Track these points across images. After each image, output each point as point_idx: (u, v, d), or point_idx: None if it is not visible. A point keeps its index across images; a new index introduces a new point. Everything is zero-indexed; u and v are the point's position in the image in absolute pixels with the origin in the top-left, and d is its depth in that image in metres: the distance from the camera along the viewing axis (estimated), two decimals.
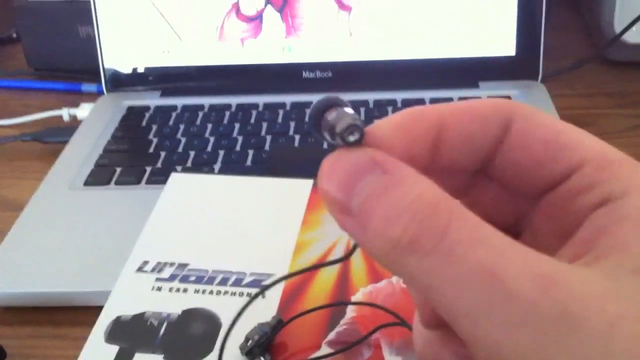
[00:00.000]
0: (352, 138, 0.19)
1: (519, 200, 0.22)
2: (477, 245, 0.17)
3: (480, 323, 0.17)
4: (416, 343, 0.23)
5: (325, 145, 0.58)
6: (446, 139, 0.21)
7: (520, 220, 0.22)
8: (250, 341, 0.36)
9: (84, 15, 0.70)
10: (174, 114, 0.64)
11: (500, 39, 0.65)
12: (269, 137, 0.60)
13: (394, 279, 0.40)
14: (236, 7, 0.66)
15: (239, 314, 0.30)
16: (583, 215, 0.20)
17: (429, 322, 0.22)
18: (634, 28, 0.67)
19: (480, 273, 0.17)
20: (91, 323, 0.39)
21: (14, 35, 0.85)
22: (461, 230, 0.18)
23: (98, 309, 0.40)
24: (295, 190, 0.46)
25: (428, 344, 0.22)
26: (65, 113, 0.67)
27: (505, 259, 0.17)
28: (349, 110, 0.20)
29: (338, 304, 0.38)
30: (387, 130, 0.20)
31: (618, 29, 0.68)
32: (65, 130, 0.63)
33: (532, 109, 0.21)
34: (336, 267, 0.41)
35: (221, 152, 0.58)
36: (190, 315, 0.38)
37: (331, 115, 0.20)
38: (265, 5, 0.66)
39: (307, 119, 0.21)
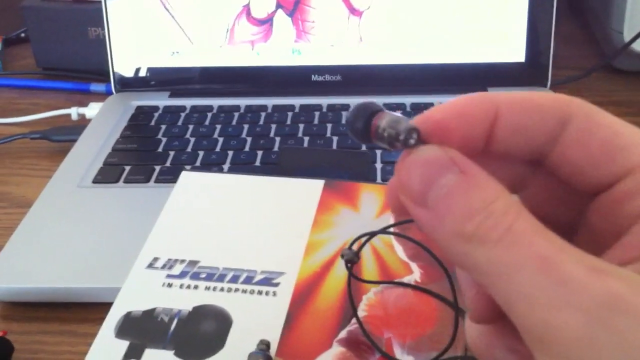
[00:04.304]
0: (412, 141, 0.21)
1: (577, 196, 0.22)
2: (538, 236, 0.19)
3: (533, 305, 0.18)
4: (468, 336, 0.24)
5: (334, 146, 0.59)
6: (500, 127, 0.21)
7: (577, 217, 0.23)
8: None
9: (94, 16, 0.70)
10: (182, 115, 0.64)
11: (510, 45, 0.65)
12: (277, 139, 0.60)
13: (405, 279, 0.40)
14: (247, 10, 0.66)
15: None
16: (631, 220, 0.20)
17: (480, 317, 0.22)
18: None
19: (538, 259, 0.18)
20: (99, 320, 0.39)
21: (22, 35, 0.86)
22: (525, 225, 0.19)
23: (106, 306, 0.40)
24: (306, 191, 0.46)
25: (479, 337, 0.23)
26: (74, 112, 0.67)
27: (563, 250, 0.18)
28: (394, 113, 0.21)
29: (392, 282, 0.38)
30: (446, 115, 0.21)
31: (627, 37, 0.68)
32: (74, 129, 0.63)
33: (593, 107, 0.22)
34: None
35: (230, 153, 0.58)
36: (201, 312, 0.38)
37: (383, 122, 0.21)
38: (276, 9, 0.66)
39: (350, 128, 0.22)
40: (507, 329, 0.22)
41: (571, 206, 0.23)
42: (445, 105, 0.22)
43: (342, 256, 0.39)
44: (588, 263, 0.18)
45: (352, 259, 0.38)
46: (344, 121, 0.63)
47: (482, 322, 0.23)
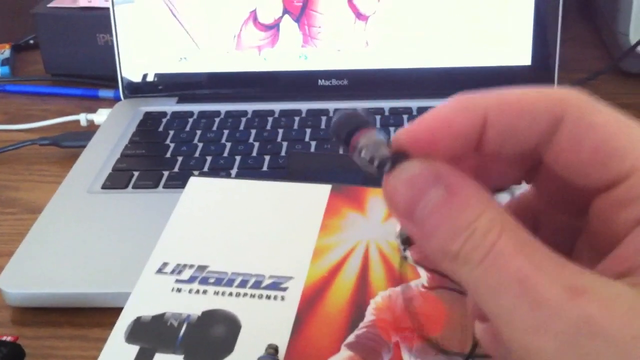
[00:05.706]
0: (386, 169, 0.21)
1: (580, 194, 0.22)
2: (517, 257, 0.19)
3: (512, 328, 0.18)
4: (476, 330, 0.24)
5: (341, 151, 0.59)
6: (489, 131, 0.21)
7: (581, 215, 0.22)
8: None
9: (103, 22, 0.71)
10: (190, 120, 0.65)
11: (516, 48, 0.65)
12: (285, 144, 0.60)
13: (413, 283, 0.40)
14: (253, 16, 0.66)
15: None
16: (626, 229, 0.20)
17: (479, 316, 0.23)
18: None
19: (516, 280, 0.18)
20: (110, 324, 0.39)
21: (32, 41, 0.86)
22: (507, 244, 0.19)
23: (117, 311, 0.40)
24: (313, 195, 0.47)
25: (483, 333, 0.23)
26: (82, 118, 0.68)
27: (541, 269, 0.18)
28: (377, 135, 0.21)
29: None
30: (431, 126, 0.21)
31: (633, 40, 0.68)
32: (83, 135, 0.64)
33: (589, 103, 0.21)
34: (355, 271, 0.41)
35: (237, 158, 0.59)
36: (210, 316, 0.38)
37: (362, 141, 0.21)
38: (283, 15, 0.66)
39: (333, 133, 0.22)
40: None
41: (575, 203, 0.22)
42: (430, 115, 0.21)
43: (400, 236, 0.38)
44: (566, 282, 0.18)
45: (407, 240, 0.38)
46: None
47: (482, 320, 0.23)
